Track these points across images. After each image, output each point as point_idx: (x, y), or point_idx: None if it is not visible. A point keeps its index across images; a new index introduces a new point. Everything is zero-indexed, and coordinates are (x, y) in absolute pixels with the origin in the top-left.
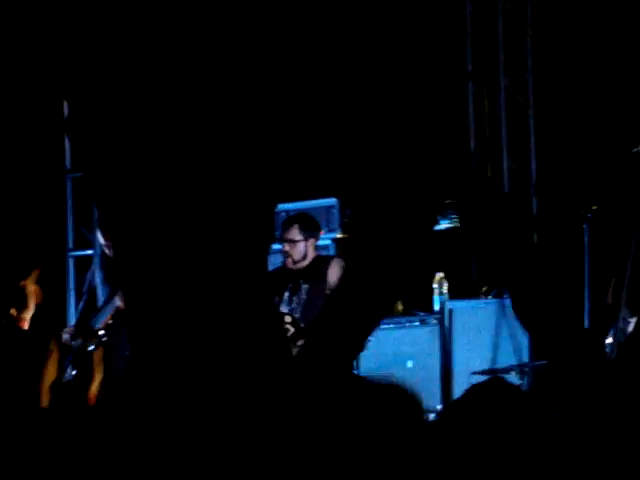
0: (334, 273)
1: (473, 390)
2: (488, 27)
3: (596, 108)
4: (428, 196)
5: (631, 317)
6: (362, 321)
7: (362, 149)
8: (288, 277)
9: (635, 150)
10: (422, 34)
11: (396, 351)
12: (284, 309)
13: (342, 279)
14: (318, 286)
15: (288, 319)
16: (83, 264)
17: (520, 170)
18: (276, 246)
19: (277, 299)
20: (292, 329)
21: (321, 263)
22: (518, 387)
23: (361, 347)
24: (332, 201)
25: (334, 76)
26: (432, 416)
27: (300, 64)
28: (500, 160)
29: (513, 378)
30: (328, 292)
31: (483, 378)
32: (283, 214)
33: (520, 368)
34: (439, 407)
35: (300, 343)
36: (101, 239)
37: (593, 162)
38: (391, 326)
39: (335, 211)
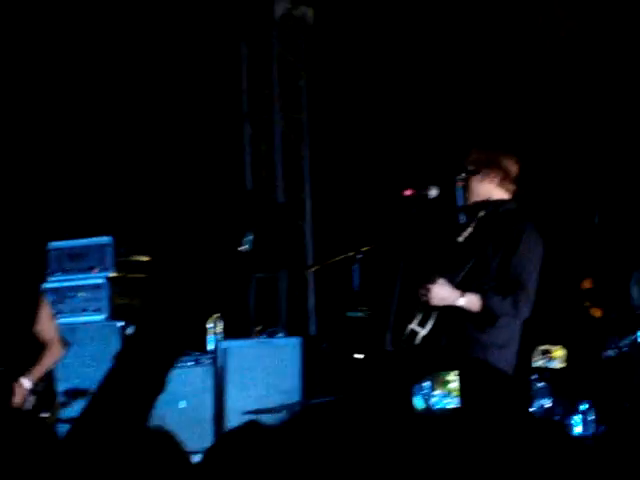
0: None
1: (226, 436)
2: (263, 69)
3: (369, 150)
4: (211, 237)
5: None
6: (158, 366)
7: (139, 189)
8: None
9: (413, 192)
10: (198, 76)
11: (169, 391)
12: None
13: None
14: None
15: None
16: None
17: (295, 210)
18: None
19: None
20: None
21: None
22: (274, 428)
23: (160, 390)
24: (106, 239)
25: (116, 112)
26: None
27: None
28: (276, 200)
29: (284, 417)
30: None
31: (252, 418)
32: (55, 252)
33: (290, 407)
34: None
35: None
36: None
37: (365, 202)
38: None
39: (109, 249)
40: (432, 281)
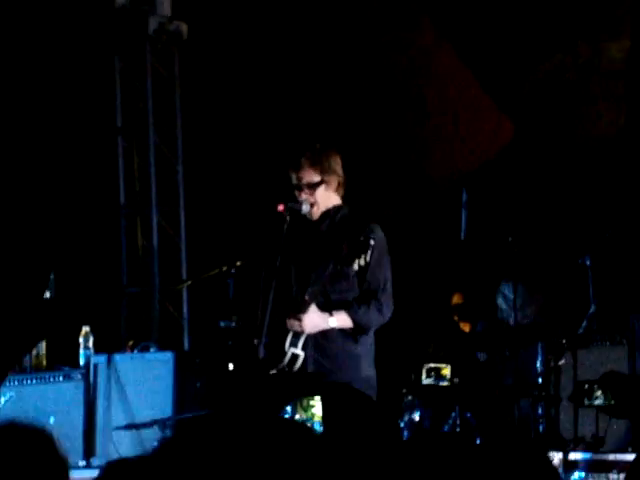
0: None
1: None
2: (137, 83)
3: (242, 165)
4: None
5: None
6: None
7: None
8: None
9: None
10: (72, 89)
11: (38, 407)
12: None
13: None
14: None
15: None
16: None
17: (170, 225)
18: None
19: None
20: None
21: None
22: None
23: None
24: None
25: None
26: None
27: None
28: (150, 214)
29: (155, 432)
30: None
31: (124, 433)
32: None
33: (162, 422)
34: (81, 463)
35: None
36: None
37: (238, 217)
38: (34, 382)
39: None
40: (302, 309)
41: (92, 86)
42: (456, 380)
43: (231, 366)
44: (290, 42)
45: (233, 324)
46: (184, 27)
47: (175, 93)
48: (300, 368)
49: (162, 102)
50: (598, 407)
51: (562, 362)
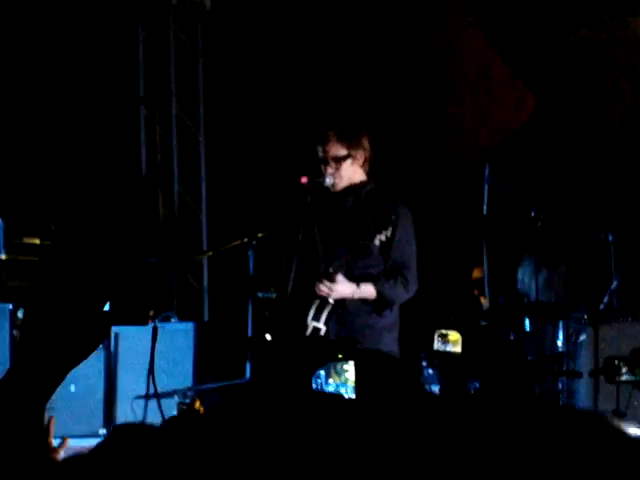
0: None
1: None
2: (160, 54)
3: (264, 137)
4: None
5: None
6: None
7: (30, 171)
8: None
9: (307, 179)
10: (95, 59)
11: None
12: None
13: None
14: None
15: None
16: None
17: (191, 196)
18: None
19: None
20: None
21: None
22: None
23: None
24: None
25: None
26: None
27: None
28: (171, 185)
29: (175, 401)
30: None
31: (145, 402)
32: None
33: (183, 392)
34: (102, 431)
35: None
36: None
37: (260, 189)
38: None
39: None
40: (331, 278)
41: (115, 55)
42: (466, 349)
43: (268, 337)
44: (315, 16)
45: (272, 295)
46: None
47: (198, 64)
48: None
49: (185, 72)
50: (626, 382)
51: (583, 338)
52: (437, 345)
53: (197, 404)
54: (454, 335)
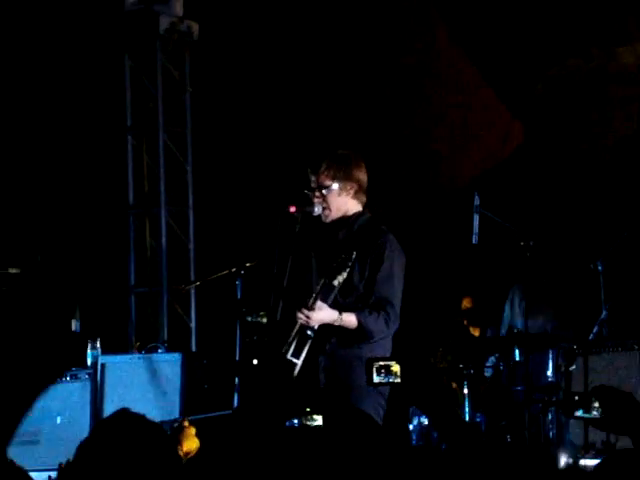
0: None
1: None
2: (147, 83)
3: (252, 166)
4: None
5: None
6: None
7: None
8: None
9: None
10: (81, 87)
11: (45, 407)
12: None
13: None
14: None
15: None
16: None
17: (178, 225)
18: None
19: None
20: None
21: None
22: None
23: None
24: None
25: None
26: None
27: None
28: (158, 214)
29: None
30: None
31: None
32: None
33: (171, 423)
34: None
35: None
36: None
37: (248, 218)
38: None
39: None
40: (310, 306)
41: (102, 84)
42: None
43: (255, 361)
44: (300, 43)
45: (261, 319)
46: (195, 27)
47: (185, 93)
48: (297, 377)
49: (172, 102)
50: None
51: (573, 368)
52: (377, 378)
53: (186, 422)
54: (395, 366)
